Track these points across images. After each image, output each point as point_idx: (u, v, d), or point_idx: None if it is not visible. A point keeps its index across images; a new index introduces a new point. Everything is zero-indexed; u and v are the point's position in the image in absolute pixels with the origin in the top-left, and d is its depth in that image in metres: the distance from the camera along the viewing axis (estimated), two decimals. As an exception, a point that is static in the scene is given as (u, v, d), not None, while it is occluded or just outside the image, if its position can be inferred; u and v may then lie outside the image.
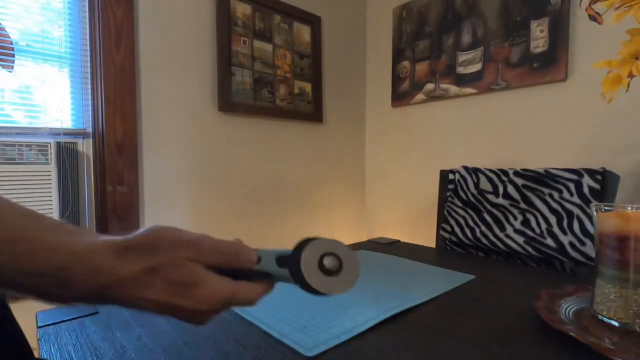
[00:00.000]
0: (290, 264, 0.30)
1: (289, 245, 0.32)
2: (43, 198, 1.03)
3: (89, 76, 1.12)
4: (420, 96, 1.63)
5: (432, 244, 1.08)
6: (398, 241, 0.96)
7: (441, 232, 1.02)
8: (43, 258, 0.24)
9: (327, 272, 0.30)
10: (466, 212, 0.98)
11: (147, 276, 0.27)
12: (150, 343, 0.41)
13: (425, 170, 1.65)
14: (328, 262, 0.30)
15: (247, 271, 0.32)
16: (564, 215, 0.81)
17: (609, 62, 0.58)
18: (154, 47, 1.20)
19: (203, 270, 0.29)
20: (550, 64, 1.23)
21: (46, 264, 0.24)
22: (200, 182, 1.31)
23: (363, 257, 0.78)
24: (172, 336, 0.42)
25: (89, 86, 1.12)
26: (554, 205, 0.84)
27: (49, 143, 1.04)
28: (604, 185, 0.79)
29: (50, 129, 1.06)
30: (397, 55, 1.73)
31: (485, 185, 0.97)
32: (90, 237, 0.27)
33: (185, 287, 0.28)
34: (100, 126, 1.12)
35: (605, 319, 0.42)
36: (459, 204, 1.00)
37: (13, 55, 1.00)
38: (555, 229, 0.82)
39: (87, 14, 1.11)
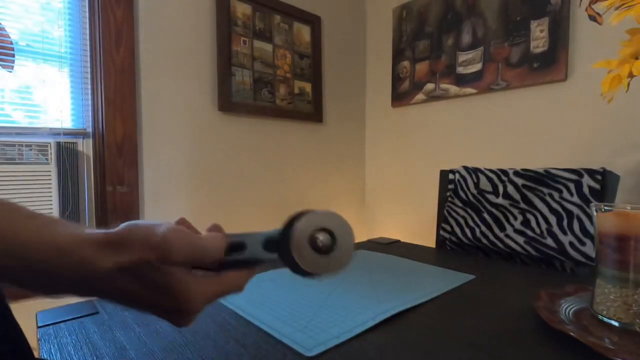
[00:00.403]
0: (279, 247, 0.29)
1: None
2: (43, 198, 1.03)
3: (89, 76, 1.12)
4: (420, 96, 1.63)
5: (432, 244, 1.08)
6: (398, 241, 0.96)
7: (441, 232, 1.02)
8: (31, 252, 0.25)
9: (319, 250, 0.28)
10: (466, 212, 0.98)
11: (120, 274, 0.27)
12: (150, 343, 0.41)
13: (425, 170, 1.65)
14: (320, 239, 0.28)
15: (231, 262, 0.30)
16: (564, 215, 0.81)
17: (609, 62, 0.58)
18: (154, 47, 1.20)
19: (178, 272, 0.28)
20: (550, 64, 1.23)
21: (28, 259, 0.25)
22: (200, 182, 1.31)
23: (363, 257, 0.78)
24: (172, 336, 0.42)
25: (89, 86, 1.12)
26: (554, 205, 0.84)
27: (49, 143, 1.04)
28: (604, 185, 0.79)
29: (50, 129, 1.06)
30: (397, 55, 1.73)
31: (485, 185, 0.97)
32: (72, 228, 0.27)
33: (162, 288, 0.28)
34: (100, 126, 1.12)
35: (605, 319, 0.42)
36: (459, 204, 1.00)
37: (13, 55, 1.00)
38: (555, 229, 0.82)
39: (87, 14, 1.11)
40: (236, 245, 0.30)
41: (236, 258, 0.30)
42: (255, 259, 0.30)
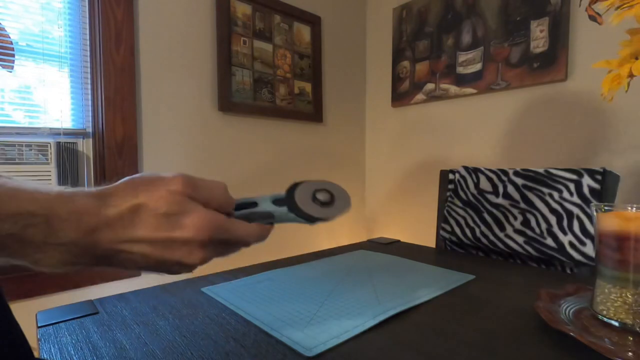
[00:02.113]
0: (286, 201, 0.34)
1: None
2: (43, 198, 1.03)
3: (89, 76, 1.12)
4: (420, 96, 1.63)
5: (432, 244, 1.08)
6: (398, 241, 0.96)
7: (441, 232, 1.02)
8: (26, 200, 0.23)
9: (322, 203, 0.34)
10: (466, 212, 0.98)
11: (134, 214, 0.26)
12: (150, 343, 0.41)
13: (425, 170, 1.65)
14: (321, 195, 0.35)
15: (245, 215, 0.34)
16: (564, 215, 0.81)
17: (609, 62, 0.58)
18: (154, 47, 1.20)
19: (190, 200, 0.29)
20: (550, 63, 1.23)
21: (30, 205, 0.23)
22: (200, 182, 1.31)
23: (363, 257, 0.78)
24: (172, 336, 0.42)
25: (89, 86, 1.12)
26: (554, 205, 0.84)
27: (49, 143, 1.04)
28: (604, 185, 0.79)
29: (50, 129, 1.06)
30: (397, 55, 1.73)
31: (485, 185, 0.97)
32: (63, 187, 0.26)
33: (175, 216, 0.27)
34: (100, 126, 1.12)
35: (605, 319, 0.42)
36: (459, 204, 1.00)
37: (13, 55, 1.00)
38: (555, 229, 0.82)
39: (87, 14, 1.11)
40: (247, 203, 0.35)
41: (249, 211, 0.34)
42: (266, 212, 0.35)
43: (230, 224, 0.31)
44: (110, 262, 0.27)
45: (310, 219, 0.33)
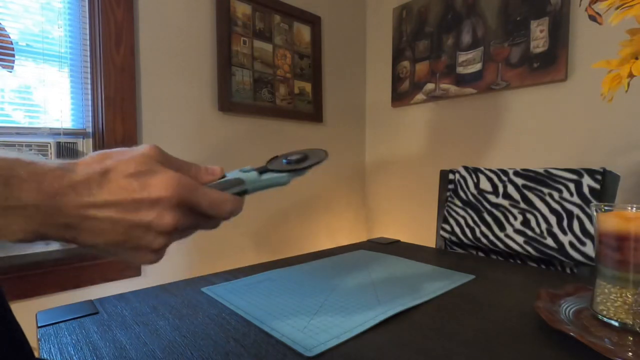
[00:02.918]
0: (257, 169, 0.36)
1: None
2: (43, 198, 1.03)
3: (89, 76, 1.12)
4: (420, 96, 1.63)
5: (432, 244, 1.08)
6: (398, 241, 0.96)
7: (441, 232, 1.02)
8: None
9: (295, 162, 0.36)
10: (466, 212, 0.98)
11: (102, 177, 0.26)
12: (150, 343, 0.41)
13: (425, 170, 1.65)
14: (293, 157, 0.37)
15: (214, 186, 0.34)
16: (564, 215, 0.81)
17: (609, 62, 0.58)
18: (154, 47, 1.20)
19: (159, 163, 0.28)
20: (550, 64, 1.23)
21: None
22: (200, 182, 1.31)
23: (363, 257, 0.78)
24: (172, 336, 0.42)
25: (89, 86, 1.12)
26: (554, 205, 0.84)
27: (49, 143, 1.04)
28: (604, 185, 0.79)
29: (50, 129, 1.06)
30: (397, 55, 1.73)
31: (485, 185, 0.97)
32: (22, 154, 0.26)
33: (143, 176, 0.27)
34: (100, 126, 1.12)
35: (605, 319, 0.42)
36: (459, 204, 1.00)
37: (13, 55, 1.00)
38: (555, 229, 0.82)
39: (87, 14, 1.11)
40: (234, 181, 0.35)
41: (217, 182, 0.35)
42: (236, 178, 0.35)
43: (201, 188, 0.30)
44: (77, 234, 0.26)
45: (279, 173, 0.34)
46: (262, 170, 0.36)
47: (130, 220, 0.26)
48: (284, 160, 0.37)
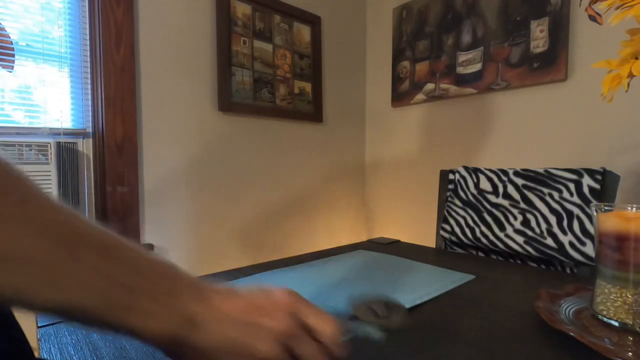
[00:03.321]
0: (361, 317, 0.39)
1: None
2: (43, 198, 1.03)
3: (89, 76, 1.12)
4: (420, 96, 1.63)
5: (432, 244, 1.08)
6: (398, 241, 0.96)
7: (441, 232, 1.02)
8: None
9: (378, 316, 0.39)
10: (466, 212, 0.98)
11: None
12: (150, 343, 0.41)
13: (425, 170, 1.65)
14: (377, 308, 0.39)
15: None
16: (564, 215, 0.81)
17: (609, 62, 0.58)
18: (154, 47, 1.20)
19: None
20: (550, 64, 1.23)
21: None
22: (200, 181, 1.31)
23: (363, 257, 0.78)
24: (172, 336, 0.42)
25: (89, 86, 1.12)
26: (554, 205, 0.84)
27: (49, 143, 1.04)
28: (604, 185, 0.79)
29: (50, 129, 1.06)
30: (397, 55, 1.73)
31: (485, 185, 0.96)
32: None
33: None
34: (100, 126, 1.12)
35: (605, 319, 0.42)
36: (459, 204, 1.00)
37: (13, 55, 1.00)
38: (555, 229, 0.82)
39: (87, 14, 1.11)
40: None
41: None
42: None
43: (304, 305, 0.32)
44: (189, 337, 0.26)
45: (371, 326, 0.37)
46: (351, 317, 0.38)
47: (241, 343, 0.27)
48: (369, 311, 0.39)
